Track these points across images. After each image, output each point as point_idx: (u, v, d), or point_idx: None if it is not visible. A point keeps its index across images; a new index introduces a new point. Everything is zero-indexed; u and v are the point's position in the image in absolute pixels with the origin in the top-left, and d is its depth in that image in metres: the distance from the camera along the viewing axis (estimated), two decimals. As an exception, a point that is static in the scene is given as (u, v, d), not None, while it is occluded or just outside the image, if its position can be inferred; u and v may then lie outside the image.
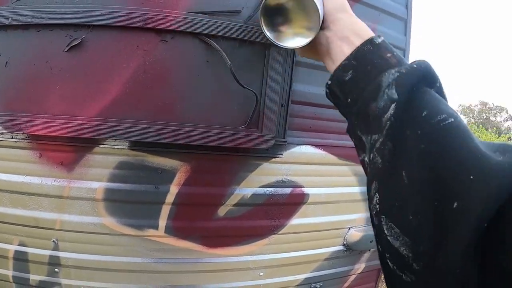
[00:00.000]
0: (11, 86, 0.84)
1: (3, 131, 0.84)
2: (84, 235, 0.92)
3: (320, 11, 0.38)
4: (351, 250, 1.07)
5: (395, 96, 0.31)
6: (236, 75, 0.75)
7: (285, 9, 0.41)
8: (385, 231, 0.29)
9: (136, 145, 0.84)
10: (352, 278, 1.15)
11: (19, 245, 0.96)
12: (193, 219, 0.90)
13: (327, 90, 0.39)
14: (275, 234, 0.96)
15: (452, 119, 0.29)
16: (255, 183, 0.89)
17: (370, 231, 1.10)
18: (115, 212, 0.89)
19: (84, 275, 0.96)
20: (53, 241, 0.93)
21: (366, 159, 0.34)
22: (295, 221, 0.96)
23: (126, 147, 0.84)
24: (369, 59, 0.34)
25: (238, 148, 0.84)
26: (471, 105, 33.93)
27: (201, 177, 0.86)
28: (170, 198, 0.87)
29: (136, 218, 0.89)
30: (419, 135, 0.29)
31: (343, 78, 0.35)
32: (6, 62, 0.83)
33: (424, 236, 0.26)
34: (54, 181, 0.88)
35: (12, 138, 0.87)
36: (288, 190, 0.93)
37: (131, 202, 0.88)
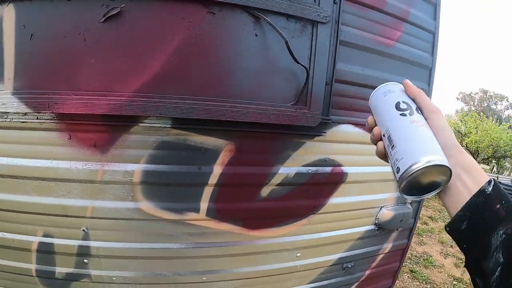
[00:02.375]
0: (37, 62, 0.77)
1: (28, 111, 0.77)
2: (118, 222, 0.86)
3: (451, 169, 0.41)
4: (382, 229, 1.09)
5: (501, 259, 0.36)
6: (292, 51, 0.74)
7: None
8: None
9: (178, 123, 0.80)
10: (380, 257, 1.18)
11: (44, 236, 0.89)
12: (236, 201, 0.87)
13: (447, 231, 0.44)
14: (314, 214, 0.95)
15: None
16: (298, 162, 0.89)
17: (401, 210, 1.13)
18: (153, 196, 0.84)
19: (116, 264, 0.91)
20: (83, 230, 0.87)
21: None
22: (334, 200, 0.97)
23: (169, 126, 0.80)
24: (481, 212, 0.39)
25: (283, 125, 0.82)
26: (471, 92, 33.95)
27: (245, 156, 0.84)
28: (213, 179, 0.84)
29: (176, 202, 0.85)
30: None
31: (459, 228, 0.40)
32: (31, 35, 0.77)
33: None
34: (85, 165, 0.82)
35: (37, 119, 0.80)
36: (328, 169, 0.93)
37: (171, 184, 0.84)
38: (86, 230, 0.87)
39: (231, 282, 0.98)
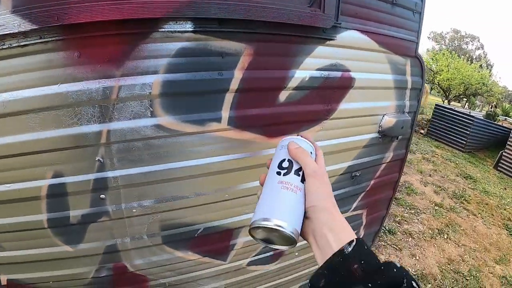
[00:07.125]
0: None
1: (32, 27, 0.69)
2: (138, 143, 0.84)
3: (296, 238, 0.44)
4: (385, 137, 1.18)
5: None
6: None
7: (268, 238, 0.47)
8: None
9: (199, 27, 0.79)
10: (382, 167, 1.28)
11: (54, 177, 0.81)
12: (256, 106, 0.90)
13: (308, 286, 0.43)
14: (327, 119, 1.01)
15: None
16: (312, 66, 0.92)
17: (401, 117, 1.22)
18: (174, 108, 0.83)
19: (136, 194, 0.89)
20: (98, 160, 0.83)
21: None
22: (343, 105, 1.03)
23: (190, 30, 0.78)
24: (337, 271, 0.39)
25: (298, 28, 0.84)
26: (442, 32, 34.23)
27: (264, 60, 0.86)
28: (234, 84, 0.85)
29: (198, 112, 0.86)
30: None
31: (318, 284, 0.40)
32: None
33: None
34: (99, 83, 0.78)
35: (40, 39, 0.73)
36: (339, 74, 0.98)
37: (192, 94, 0.84)
38: (101, 160, 0.83)
39: (253, 198, 1.02)
